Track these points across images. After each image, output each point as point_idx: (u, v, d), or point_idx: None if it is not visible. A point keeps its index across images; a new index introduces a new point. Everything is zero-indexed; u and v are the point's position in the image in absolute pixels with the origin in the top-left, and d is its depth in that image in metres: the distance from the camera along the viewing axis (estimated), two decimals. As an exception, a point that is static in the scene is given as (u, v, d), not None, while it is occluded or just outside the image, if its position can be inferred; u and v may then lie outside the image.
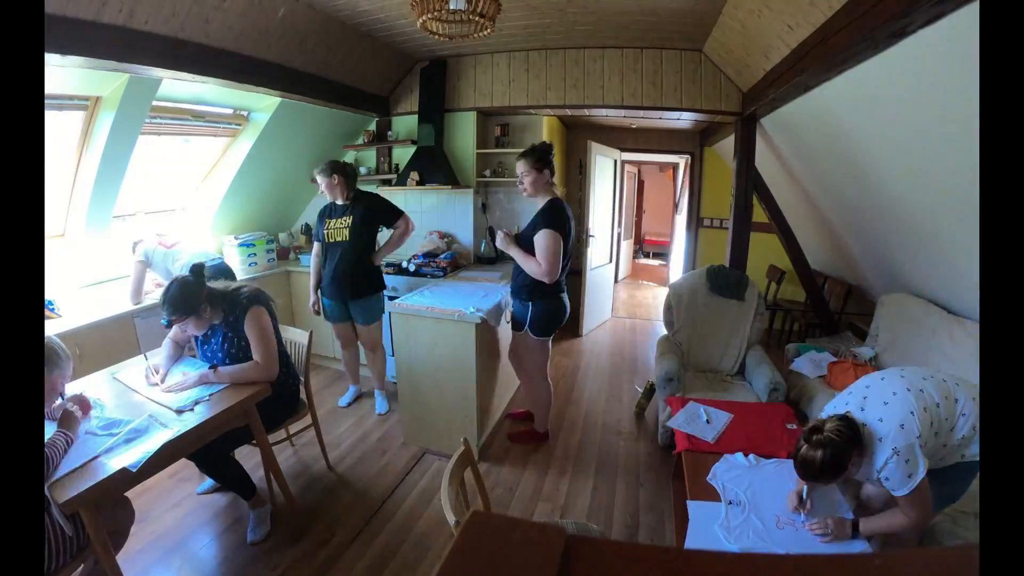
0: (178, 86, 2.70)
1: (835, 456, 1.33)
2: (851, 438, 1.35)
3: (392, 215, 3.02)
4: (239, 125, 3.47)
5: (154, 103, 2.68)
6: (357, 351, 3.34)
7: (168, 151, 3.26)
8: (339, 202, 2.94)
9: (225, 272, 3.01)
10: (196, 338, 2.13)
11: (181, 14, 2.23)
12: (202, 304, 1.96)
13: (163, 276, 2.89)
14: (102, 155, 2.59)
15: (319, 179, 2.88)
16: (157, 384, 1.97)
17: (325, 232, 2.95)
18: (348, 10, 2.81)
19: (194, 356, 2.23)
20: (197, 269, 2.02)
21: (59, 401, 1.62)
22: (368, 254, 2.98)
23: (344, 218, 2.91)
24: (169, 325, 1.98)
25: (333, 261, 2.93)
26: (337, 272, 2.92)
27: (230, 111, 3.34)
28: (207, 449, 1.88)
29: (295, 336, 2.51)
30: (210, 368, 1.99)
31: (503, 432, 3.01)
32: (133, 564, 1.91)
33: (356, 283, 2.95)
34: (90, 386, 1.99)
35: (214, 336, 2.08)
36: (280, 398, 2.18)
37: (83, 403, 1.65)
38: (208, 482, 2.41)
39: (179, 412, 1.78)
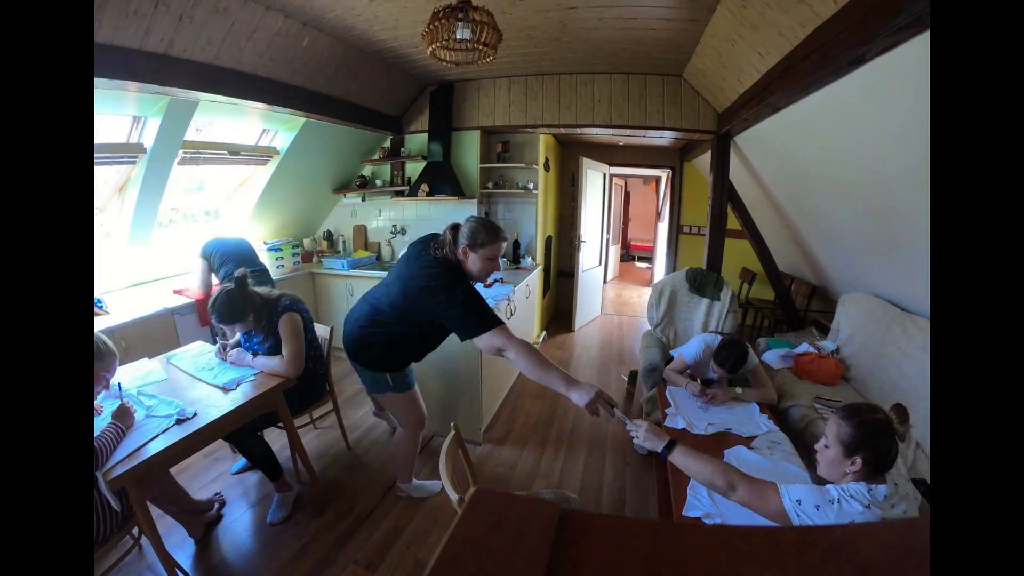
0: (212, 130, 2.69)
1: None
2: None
3: None
4: (269, 157, 3.47)
5: (194, 139, 2.68)
6: None
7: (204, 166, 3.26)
8: None
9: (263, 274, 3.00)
10: (242, 334, 2.17)
11: (216, 43, 2.23)
12: (247, 313, 1.98)
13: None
14: (146, 167, 2.59)
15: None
16: (226, 358, 2.07)
17: None
18: (365, 40, 2.81)
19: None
20: (241, 281, 2.00)
21: (102, 393, 1.62)
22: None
23: None
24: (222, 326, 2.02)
25: None
26: None
27: (263, 146, 3.37)
28: (239, 429, 1.90)
29: (318, 331, 2.51)
30: (251, 353, 2.07)
31: (503, 417, 3.01)
32: (172, 534, 1.91)
33: None
34: (145, 368, 2.02)
35: (256, 336, 2.12)
36: (308, 386, 2.20)
37: (126, 412, 1.57)
38: (240, 462, 2.41)
39: (225, 391, 1.82)
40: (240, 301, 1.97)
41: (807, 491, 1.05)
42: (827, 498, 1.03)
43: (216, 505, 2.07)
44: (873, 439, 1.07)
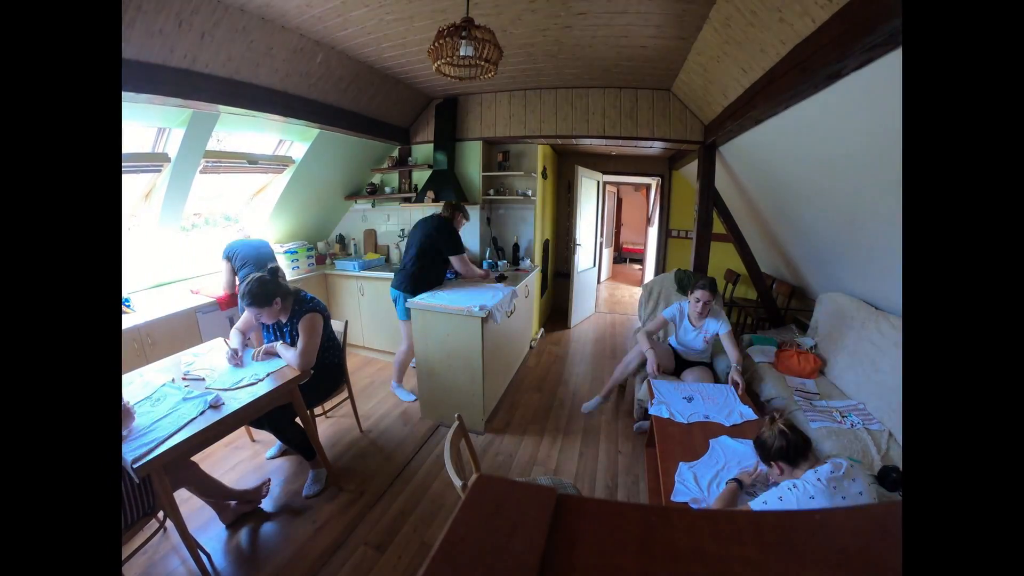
0: (232, 140, 2.69)
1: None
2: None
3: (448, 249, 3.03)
4: (285, 165, 3.47)
5: (215, 148, 2.67)
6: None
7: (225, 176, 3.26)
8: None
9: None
10: (265, 328, 2.20)
11: (236, 59, 2.23)
12: (275, 299, 2.02)
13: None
14: (171, 175, 2.59)
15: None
16: (239, 364, 2.06)
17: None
18: (375, 56, 2.81)
19: (248, 346, 2.23)
20: (274, 270, 2.11)
21: None
22: (427, 267, 3.00)
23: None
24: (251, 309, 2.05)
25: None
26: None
27: (280, 156, 3.37)
28: (273, 417, 1.97)
29: (334, 326, 2.50)
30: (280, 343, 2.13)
31: (504, 408, 3.01)
32: (197, 517, 1.91)
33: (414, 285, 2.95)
34: (163, 367, 2.00)
35: (279, 329, 2.16)
36: (328, 376, 2.26)
37: (127, 413, 1.57)
38: (274, 449, 2.43)
39: (230, 390, 1.81)
40: (271, 288, 2.01)
41: (768, 494, 1.23)
42: (786, 487, 1.19)
43: (264, 489, 2.05)
44: (764, 446, 1.32)
